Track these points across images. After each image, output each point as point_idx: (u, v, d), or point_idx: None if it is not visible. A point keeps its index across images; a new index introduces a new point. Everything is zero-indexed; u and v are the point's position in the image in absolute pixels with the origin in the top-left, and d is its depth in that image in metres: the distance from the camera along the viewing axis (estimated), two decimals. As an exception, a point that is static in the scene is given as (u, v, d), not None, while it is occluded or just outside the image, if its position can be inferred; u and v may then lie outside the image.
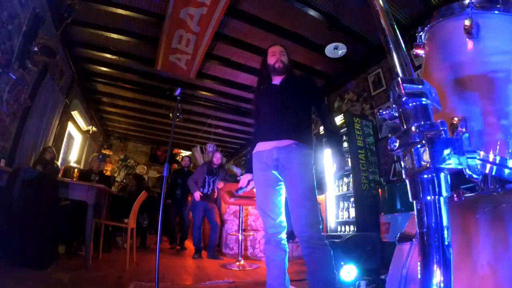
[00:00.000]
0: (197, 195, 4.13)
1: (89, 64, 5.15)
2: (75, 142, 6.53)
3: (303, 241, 1.50)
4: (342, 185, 4.10)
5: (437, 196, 0.39)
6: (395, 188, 2.87)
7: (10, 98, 3.20)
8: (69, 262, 3.00)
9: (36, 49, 3.33)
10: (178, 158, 9.72)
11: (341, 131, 4.17)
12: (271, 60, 1.80)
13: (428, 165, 0.39)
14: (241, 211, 3.73)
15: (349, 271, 2.32)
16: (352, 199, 3.81)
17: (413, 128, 0.42)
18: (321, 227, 1.51)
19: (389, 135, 3.89)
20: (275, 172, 1.62)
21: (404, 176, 0.43)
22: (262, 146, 1.67)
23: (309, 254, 1.49)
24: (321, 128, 4.56)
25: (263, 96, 1.82)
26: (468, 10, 0.70)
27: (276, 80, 1.81)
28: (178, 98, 2.30)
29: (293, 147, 1.57)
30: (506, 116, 0.67)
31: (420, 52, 0.85)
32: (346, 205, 3.93)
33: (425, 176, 0.39)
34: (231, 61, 4.85)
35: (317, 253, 1.48)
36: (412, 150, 0.41)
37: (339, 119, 4.22)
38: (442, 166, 0.38)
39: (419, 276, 0.38)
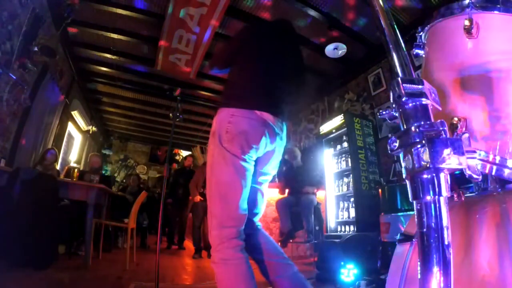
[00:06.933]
0: (197, 199, 4.15)
1: (89, 64, 5.15)
2: (75, 142, 6.53)
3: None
4: (342, 185, 4.09)
5: (437, 196, 0.39)
6: (395, 188, 2.87)
7: (10, 98, 3.20)
8: (69, 262, 3.00)
9: (36, 49, 3.33)
10: (177, 158, 9.72)
11: (341, 131, 4.17)
12: None
13: (428, 165, 0.39)
14: (241, 211, 3.72)
15: (349, 271, 2.33)
16: (352, 199, 3.81)
17: (413, 128, 0.41)
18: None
19: (389, 135, 3.88)
20: None
21: (404, 176, 0.43)
22: None
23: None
24: (321, 128, 4.56)
25: None
26: (468, 10, 0.70)
27: None
28: (178, 98, 2.30)
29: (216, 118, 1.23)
30: (506, 116, 0.67)
31: (420, 52, 0.85)
32: (346, 205, 3.93)
33: (425, 176, 0.39)
34: (231, 61, 4.85)
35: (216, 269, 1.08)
36: (412, 150, 0.41)
37: (339, 119, 4.21)
38: (442, 166, 0.38)
39: (419, 276, 0.38)
